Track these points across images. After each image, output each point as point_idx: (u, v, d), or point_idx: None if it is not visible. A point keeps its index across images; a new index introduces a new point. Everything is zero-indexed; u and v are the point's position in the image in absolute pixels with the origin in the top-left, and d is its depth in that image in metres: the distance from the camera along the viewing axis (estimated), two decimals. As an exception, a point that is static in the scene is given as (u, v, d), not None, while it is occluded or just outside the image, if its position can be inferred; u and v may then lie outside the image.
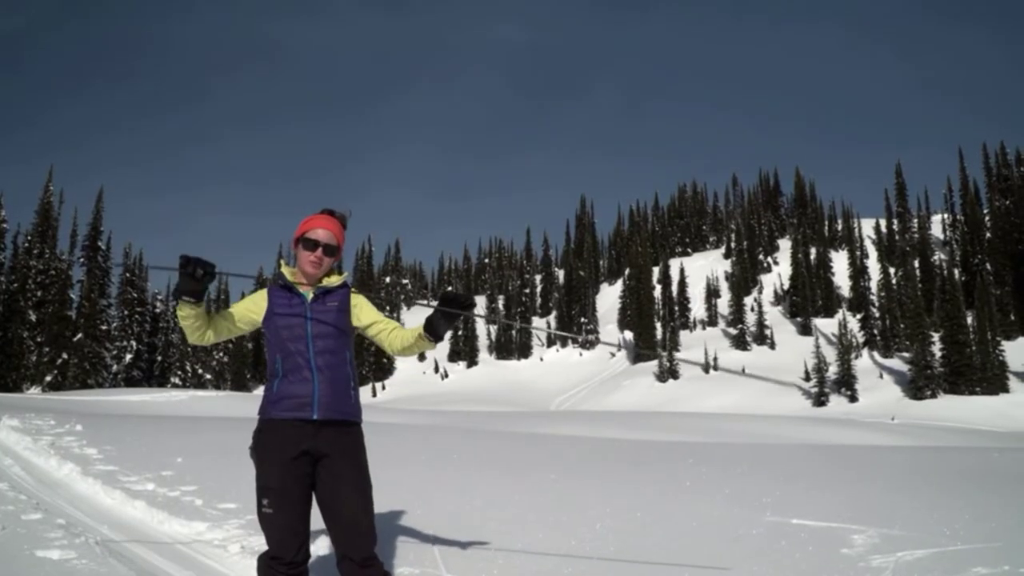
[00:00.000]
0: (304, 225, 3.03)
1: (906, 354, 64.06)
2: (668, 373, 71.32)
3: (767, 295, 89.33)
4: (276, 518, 2.82)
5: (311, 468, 2.89)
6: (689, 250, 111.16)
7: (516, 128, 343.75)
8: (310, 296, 2.99)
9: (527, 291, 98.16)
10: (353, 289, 3.10)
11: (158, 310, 67.52)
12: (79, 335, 52.86)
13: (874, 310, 73.79)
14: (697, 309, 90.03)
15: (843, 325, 66.87)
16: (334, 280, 3.06)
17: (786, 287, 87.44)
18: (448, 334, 2.86)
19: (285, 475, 2.83)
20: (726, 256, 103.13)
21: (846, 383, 61.68)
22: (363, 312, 3.06)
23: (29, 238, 55.11)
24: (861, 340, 71.61)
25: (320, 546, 3.97)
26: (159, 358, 66.37)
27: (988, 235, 75.97)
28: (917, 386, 58.51)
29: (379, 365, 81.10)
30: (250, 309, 3.03)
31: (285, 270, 3.06)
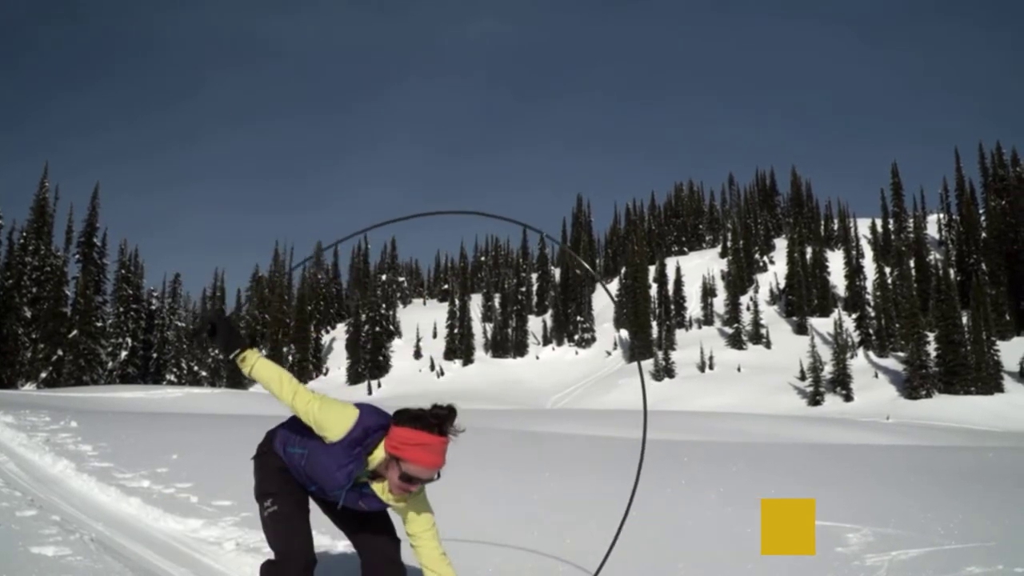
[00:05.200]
0: (411, 451, 2.54)
1: (901, 354, 64.26)
2: (664, 372, 71.39)
3: (763, 294, 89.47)
4: (279, 516, 2.75)
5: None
6: (685, 249, 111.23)
7: (510, 126, 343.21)
8: (364, 481, 2.69)
9: (523, 289, 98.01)
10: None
11: (153, 307, 67.36)
12: (74, 332, 52.75)
13: (869, 309, 73.98)
14: (693, 308, 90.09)
15: (839, 324, 67.08)
16: None
17: (782, 286, 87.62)
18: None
19: (287, 496, 2.79)
20: (722, 255, 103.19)
21: (841, 382, 61.85)
22: (418, 510, 2.76)
23: (24, 234, 54.97)
24: (856, 339, 71.79)
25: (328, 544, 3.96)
26: (154, 355, 66.21)
27: (983, 235, 76.17)
28: (912, 386, 58.71)
29: (375, 363, 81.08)
30: (328, 421, 2.58)
31: (374, 457, 2.62)
